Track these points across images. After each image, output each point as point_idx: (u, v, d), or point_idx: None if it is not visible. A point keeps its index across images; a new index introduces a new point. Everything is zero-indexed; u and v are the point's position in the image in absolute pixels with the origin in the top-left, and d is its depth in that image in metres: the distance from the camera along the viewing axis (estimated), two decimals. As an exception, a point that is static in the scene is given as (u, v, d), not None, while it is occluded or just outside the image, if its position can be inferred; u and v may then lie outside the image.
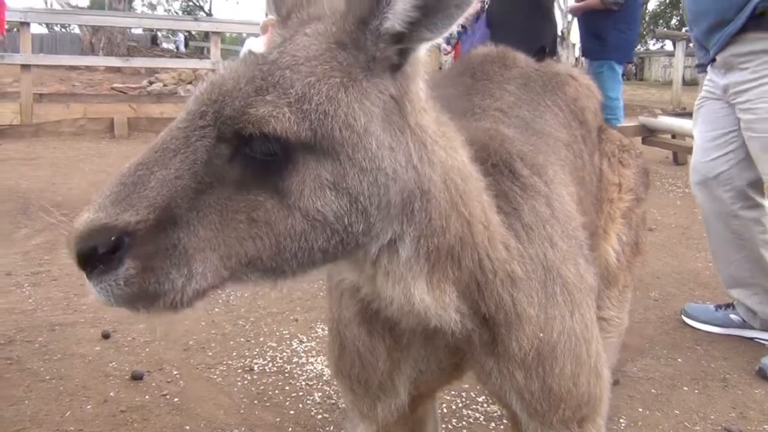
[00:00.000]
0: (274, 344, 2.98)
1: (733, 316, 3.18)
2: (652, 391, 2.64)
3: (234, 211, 0.91)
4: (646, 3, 34.81)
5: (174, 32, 28.29)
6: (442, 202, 1.03)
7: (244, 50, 8.16)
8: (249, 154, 0.91)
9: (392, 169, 0.96)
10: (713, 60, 2.98)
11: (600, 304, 1.85)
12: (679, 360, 2.91)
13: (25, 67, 9.31)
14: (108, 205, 0.88)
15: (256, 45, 7.75)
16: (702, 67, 3.25)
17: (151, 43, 27.68)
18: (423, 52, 1.01)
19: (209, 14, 43.99)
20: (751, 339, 3.10)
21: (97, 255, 0.86)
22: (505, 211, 1.19)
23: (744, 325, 3.14)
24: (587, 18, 6.70)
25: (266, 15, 11.18)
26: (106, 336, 2.97)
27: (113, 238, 0.86)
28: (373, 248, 1.02)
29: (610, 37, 6.59)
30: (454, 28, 0.99)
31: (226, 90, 0.93)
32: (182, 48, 28.30)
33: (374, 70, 0.97)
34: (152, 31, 29.21)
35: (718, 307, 3.26)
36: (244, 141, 0.91)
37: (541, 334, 1.19)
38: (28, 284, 3.67)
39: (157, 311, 0.92)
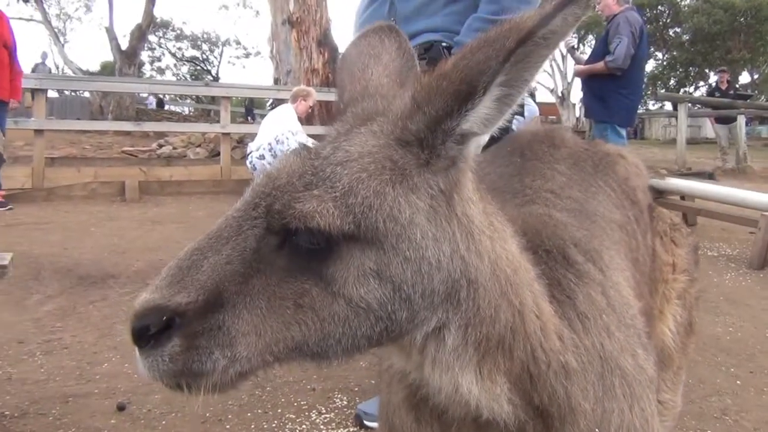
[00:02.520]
0: (293, 416, 2.91)
1: None
2: (684, 464, 2.56)
3: (281, 297, 0.94)
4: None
5: (183, 96, 28.87)
6: (490, 291, 1.03)
7: (273, 116, 8.12)
8: (296, 244, 0.95)
9: (436, 258, 0.98)
10: None
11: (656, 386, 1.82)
12: (708, 431, 2.83)
13: (38, 131, 9.50)
14: (163, 287, 0.93)
15: (287, 112, 7.90)
16: None
17: (157, 106, 28.15)
18: (474, 146, 1.03)
19: (216, 78, 45.05)
20: None
21: (149, 333, 0.91)
22: (559, 300, 1.16)
23: None
24: (591, 81, 6.86)
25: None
26: (121, 408, 2.90)
27: (164, 318, 0.91)
28: (418, 335, 1.02)
29: (613, 101, 6.73)
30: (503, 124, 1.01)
31: (278, 184, 0.98)
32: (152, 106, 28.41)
33: (432, 166, 0.99)
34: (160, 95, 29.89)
35: None
36: (292, 233, 0.95)
37: (597, 430, 1.14)
38: (41, 352, 3.62)
39: (200, 390, 0.94)
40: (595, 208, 1.50)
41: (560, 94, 36.69)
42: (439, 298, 1.00)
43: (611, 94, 6.75)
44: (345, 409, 2.95)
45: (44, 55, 23.14)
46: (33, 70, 19.78)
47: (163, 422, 2.81)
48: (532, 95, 10.57)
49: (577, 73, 7.11)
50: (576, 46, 8.13)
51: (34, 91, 9.76)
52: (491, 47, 0.93)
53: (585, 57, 7.51)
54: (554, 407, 1.11)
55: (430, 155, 0.99)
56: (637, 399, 1.19)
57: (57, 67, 28.98)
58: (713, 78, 37.07)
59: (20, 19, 30.28)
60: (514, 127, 6.79)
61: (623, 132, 6.93)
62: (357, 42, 1.36)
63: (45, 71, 20.59)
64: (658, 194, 7.11)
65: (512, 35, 0.91)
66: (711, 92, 16.81)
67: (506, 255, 1.07)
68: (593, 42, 32.38)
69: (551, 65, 38.52)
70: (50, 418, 2.81)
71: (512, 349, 1.06)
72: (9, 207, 7.84)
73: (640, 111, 35.01)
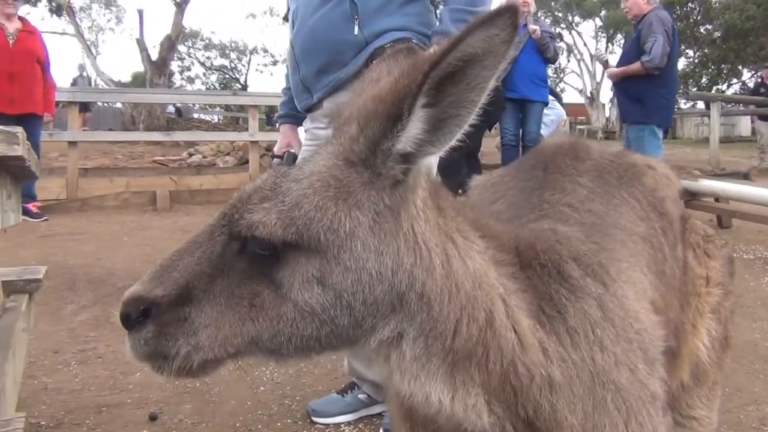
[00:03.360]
0: (322, 426, 2.91)
1: (361, 396, 2.96)
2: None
3: (238, 296, 1.06)
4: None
5: (212, 105, 29.20)
6: (445, 305, 1.07)
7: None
8: (252, 250, 1.06)
9: (377, 270, 1.04)
10: (314, 106, 2.66)
11: (690, 402, 1.78)
12: (747, 441, 2.76)
13: (72, 143, 9.70)
14: (146, 281, 1.09)
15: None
16: (286, 119, 2.99)
17: (176, 114, 28.23)
18: (425, 165, 1.09)
19: (244, 86, 45.58)
20: (380, 414, 2.90)
21: (132, 319, 1.07)
22: (548, 314, 1.17)
23: (371, 401, 2.95)
24: (626, 83, 6.74)
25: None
26: (153, 418, 2.94)
27: (142, 307, 1.06)
28: (371, 341, 1.09)
29: (651, 101, 6.64)
30: (453, 143, 1.06)
31: (243, 197, 1.11)
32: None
33: (376, 184, 1.06)
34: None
35: (343, 392, 3.01)
36: (246, 241, 1.06)
37: None
38: (75, 362, 3.69)
39: (170, 372, 1.07)
40: (615, 220, 1.48)
41: (589, 95, 36.34)
42: (386, 308, 1.06)
43: (649, 94, 6.66)
44: (374, 419, 2.94)
45: (81, 67, 23.63)
46: (73, 83, 20.28)
47: (194, 432, 2.84)
48: (559, 97, 10.46)
49: (611, 76, 6.96)
50: (608, 60, 7.97)
51: (68, 104, 9.99)
52: (416, 71, 1.00)
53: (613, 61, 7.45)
54: (540, 421, 1.13)
55: (373, 174, 1.06)
56: (634, 414, 1.17)
57: (90, 79, 29.63)
58: (746, 75, 36.43)
59: (54, 33, 31.05)
60: (542, 132, 6.63)
61: (660, 133, 6.82)
62: (373, 67, 1.40)
63: (84, 83, 20.99)
64: (691, 196, 6.98)
65: (429, 59, 0.98)
66: (756, 88, 16.24)
67: (465, 270, 1.10)
68: (622, 41, 31.96)
69: (579, 66, 38.22)
70: (84, 429, 2.86)
71: (486, 362, 1.09)
72: (44, 218, 8.01)
73: (671, 110, 34.59)
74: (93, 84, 21.75)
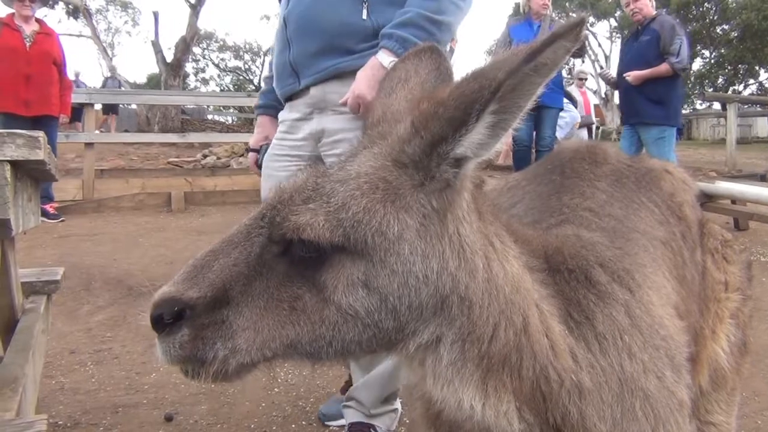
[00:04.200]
0: (336, 428, 2.92)
1: None
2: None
3: (278, 299, 1.04)
4: (691, 65, 34.78)
5: (226, 107, 29.35)
6: (485, 309, 1.07)
7: None
8: (293, 252, 1.04)
9: (423, 274, 1.03)
10: (298, 93, 2.44)
11: (708, 408, 1.77)
12: (765, 447, 2.73)
13: (89, 144, 9.78)
14: (179, 282, 1.06)
15: None
16: (266, 110, 2.82)
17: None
18: (472, 168, 1.08)
19: (258, 87, 45.74)
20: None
21: (163, 321, 1.03)
22: (577, 320, 1.17)
23: None
24: (645, 86, 6.64)
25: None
26: (168, 419, 2.96)
27: (176, 309, 1.02)
28: (411, 346, 1.08)
29: (672, 103, 6.68)
30: (499, 147, 1.06)
31: (282, 198, 1.09)
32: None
33: (426, 187, 1.05)
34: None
35: (344, 392, 2.95)
36: (289, 243, 1.04)
37: None
38: (91, 362, 3.72)
39: (205, 377, 1.05)
40: (635, 225, 1.48)
41: (604, 96, 36.08)
42: (429, 312, 1.05)
43: (670, 96, 6.68)
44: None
45: (113, 69, 23.93)
46: (103, 85, 20.51)
47: (210, 433, 2.85)
48: (574, 100, 10.38)
49: (636, 79, 6.60)
50: (613, 77, 7.78)
51: (84, 106, 10.08)
52: (485, 77, 0.99)
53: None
54: (568, 428, 1.12)
55: (425, 177, 1.05)
56: (662, 422, 1.17)
57: (120, 82, 29.96)
58: (764, 75, 36.05)
59: (70, 35, 31.36)
60: (558, 135, 6.56)
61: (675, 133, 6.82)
62: (396, 66, 1.40)
63: (115, 85, 21.17)
64: (708, 198, 6.91)
65: (504, 67, 0.97)
66: None
67: (504, 274, 1.09)
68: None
69: (594, 67, 37.97)
70: (101, 429, 2.89)
71: (520, 368, 1.09)
72: (61, 219, 8.09)
73: (686, 111, 34.26)
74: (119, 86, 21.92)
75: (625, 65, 6.99)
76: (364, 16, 2.25)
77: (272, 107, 2.78)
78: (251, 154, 2.87)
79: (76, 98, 9.36)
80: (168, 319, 1.03)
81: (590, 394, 1.12)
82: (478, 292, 1.06)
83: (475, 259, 1.07)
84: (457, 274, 1.05)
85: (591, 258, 1.24)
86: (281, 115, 2.63)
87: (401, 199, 1.04)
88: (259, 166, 2.73)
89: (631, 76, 6.67)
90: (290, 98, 2.52)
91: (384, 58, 2.12)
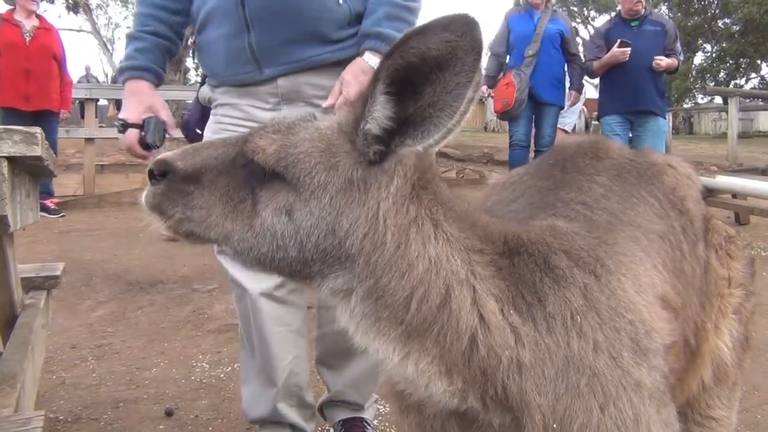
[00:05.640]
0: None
1: None
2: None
3: (230, 196, 1.24)
4: (692, 58, 34.66)
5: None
6: (392, 280, 1.16)
7: None
8: (250, 167, 1.24)
9: (332, 226, 1.17)
10: (258, 82, 2.19)
11: (710, 403, 1.78)
12: (765, 441, 2.74)
13: (89, 140, 9.78)
14: (178, 153, 1.30)
15: None
16: (145, 73, 2.24)
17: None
18: (408, 155, 1.17)
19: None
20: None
21: (153, 175, 1.28)
22: (528, 302, 1.21)
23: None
24: (656, 77, 6.64)
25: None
26: (169, 413, 2.97)
27: (164, 169, 1.28)
28: (323, 286, 1.22)
29: (665, 92, 6.74)
30: (439, 140, 1.12)
31: (268, 124, 1.30)
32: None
33: (353, 156, 1.19)
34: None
35: None
36: (251, 159, 1.23)
37: (555, 425, 1.17)
38: (92, 357, 3.73)
39: (165, 228, 1.27)
40: (631, 218, 1.48)
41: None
42: (332, 259, 1.19)
43: (664, 88, 6.89)
44: (389, 416, 2.95)
45: (116, 65, 23.93)
46: (113, 81, 20.45)
47: (210, 428, 2.86)
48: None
49: (660, 66, 6.51)
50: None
51: (84, 101, 10.06)
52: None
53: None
54: (510, 400, 1.18)
55: (353, 148, 1.19)
56: (611, 399, 1.18)
57: (106, 76, 29.77)
58: (765, 69, 35.96)
59: (70, 30, 31.29)
60: (566, 120, 6.54)
61: None
62: None
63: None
64: (709, 193, 6.91)
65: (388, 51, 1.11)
66: None
67: (420, 254, 1.17)
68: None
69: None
70: (102, 423, 2.89)
71: (444, 338, 1.17)
72: (61, 214, 8.10)
73: (688, 105, 34.17)
74: (109, 81, 21.89)
75: (635, 51, 6.58)
76: (341, 1, 2.13)
77: (151, 71, 2.27)
78: (131, 132, 2.19)
79: (76, 93, 9.36)
80: (157, 174, 1.27)
81: (530, 369, 1.18)
82: (383, 263, 1.16)
83: (386, 234, 1.16)
84: (363, 241, 1.16)
85: (555, 245, 1.28)
86: (225, 98, 2.30)
87: (334, 157, 1.19)
88: (146, 146, 2.18)
89: (664, 62, 6.53)
90: (244, 84, 2.24)
91: (372, 60, 2.08)
